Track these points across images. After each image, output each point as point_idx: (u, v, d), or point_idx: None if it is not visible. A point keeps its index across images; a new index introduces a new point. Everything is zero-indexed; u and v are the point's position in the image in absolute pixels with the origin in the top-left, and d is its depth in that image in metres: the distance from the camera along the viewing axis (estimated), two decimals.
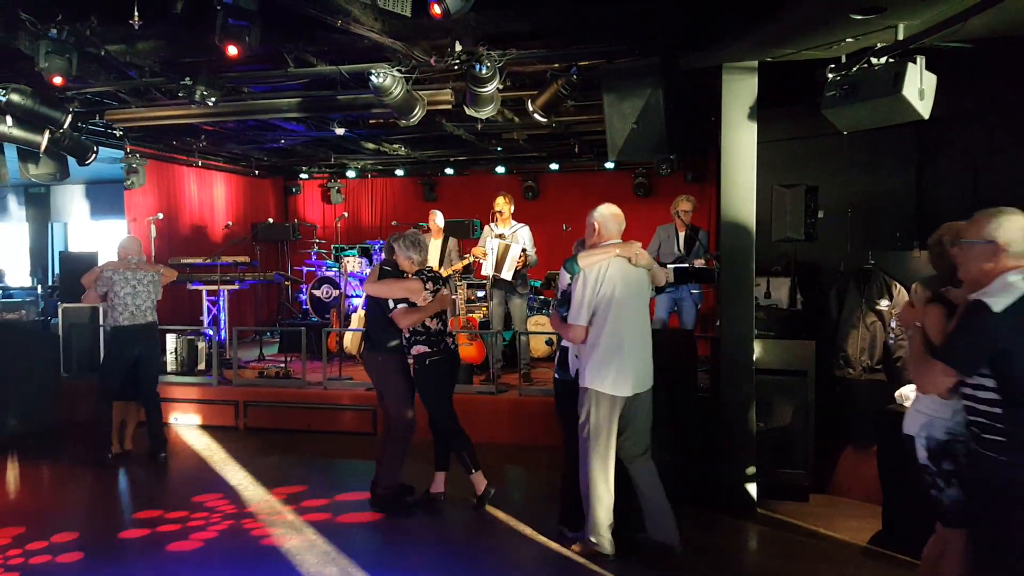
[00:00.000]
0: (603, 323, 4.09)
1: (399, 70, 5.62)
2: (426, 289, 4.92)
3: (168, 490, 5.81)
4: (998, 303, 2.60)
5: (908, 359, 2.97)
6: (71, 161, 7.67)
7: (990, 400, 2.66)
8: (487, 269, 7.40)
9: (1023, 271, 2.67)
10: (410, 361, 5.08)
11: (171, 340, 8.19)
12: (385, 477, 5.11)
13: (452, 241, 8.26)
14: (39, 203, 13.12)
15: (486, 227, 7.68)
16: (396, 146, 10.13)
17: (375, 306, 5.05)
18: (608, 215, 4.25)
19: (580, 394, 4.20)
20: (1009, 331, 2.58)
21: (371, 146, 10.01)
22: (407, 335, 4.99)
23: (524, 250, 7.29)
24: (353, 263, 9.96)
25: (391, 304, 4.90)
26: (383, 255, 5.27)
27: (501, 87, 5.66)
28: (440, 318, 5.03)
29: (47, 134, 6.86)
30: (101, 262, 6.74)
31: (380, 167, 12.33)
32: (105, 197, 12.50)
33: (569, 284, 4.22)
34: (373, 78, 5.49)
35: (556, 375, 4.54)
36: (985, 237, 2.74)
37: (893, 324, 5.11)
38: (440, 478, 5.22)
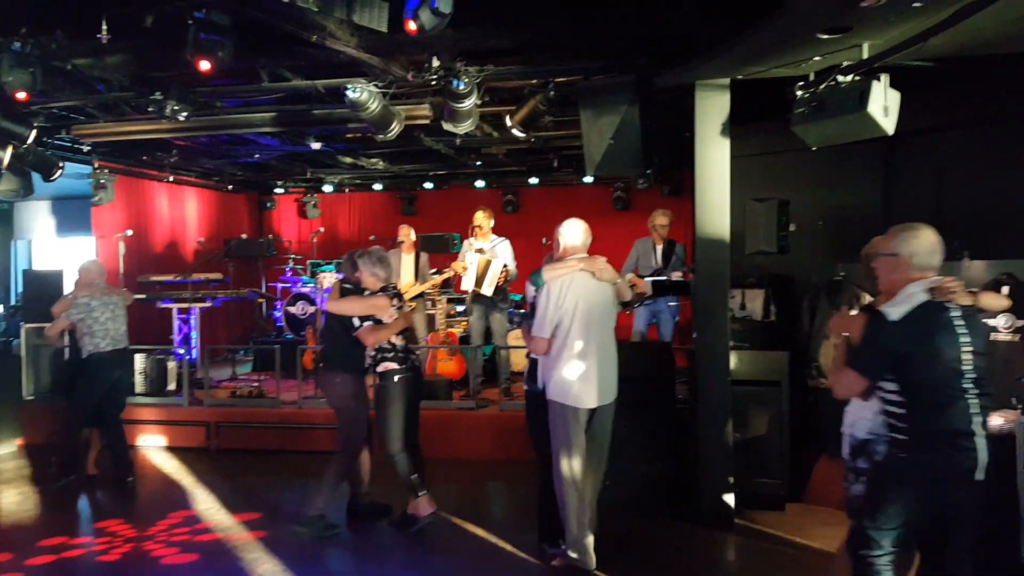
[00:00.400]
0: (565, 336, 4.14)
1: (376, 85, 5.62)
2: (392, 305, 4.90)
3: (132, 512, 5.67)
4: (895, 312, 2.81)
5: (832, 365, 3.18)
6: (36, 177, 7.53)
7: (895, 401, 2.86)
8: (467, 284, 7.40)
9: (926, 282, 2.85)
10: (370, 379, 5.02)
11: (140, 360, 7.98)
12: (320, 498, 4.94)
13: (424, 256, 8.28)
14: (2, 220, 12.84)
15: (466, 241, 7.68)
16: (374, 160, 10.09)
17: (336, 325, 4.96)
18: (574, 230, 4.30)
19: (549, 407, 4.22)
20: (905, 337, 2.78)
21: (348, 160, 9.96)
22: (372, 353, 4.92)
23: (505, 266, 7.29)
24: (330, 279, 9.87)
25: (356, 322, 4.83)
26: (342, 273, 5.20)
27: (479, 102, 5.66)
28: (403, 335, 4.99)
29: (10, 149, 6.74)
30: (67, 280, 6.59)
31: (358, 181, 12.25)
32: (72, 214, 12.24)
33: (535, 297, 4.26)
34: (349, 93, 5.47)
35: (526, 387, 4.54)
36: (890, 250, 2.93)
37: None
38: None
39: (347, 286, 4.99)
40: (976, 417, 2.80)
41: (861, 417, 3.17)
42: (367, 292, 4.94)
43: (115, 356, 6.17)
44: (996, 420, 4.01)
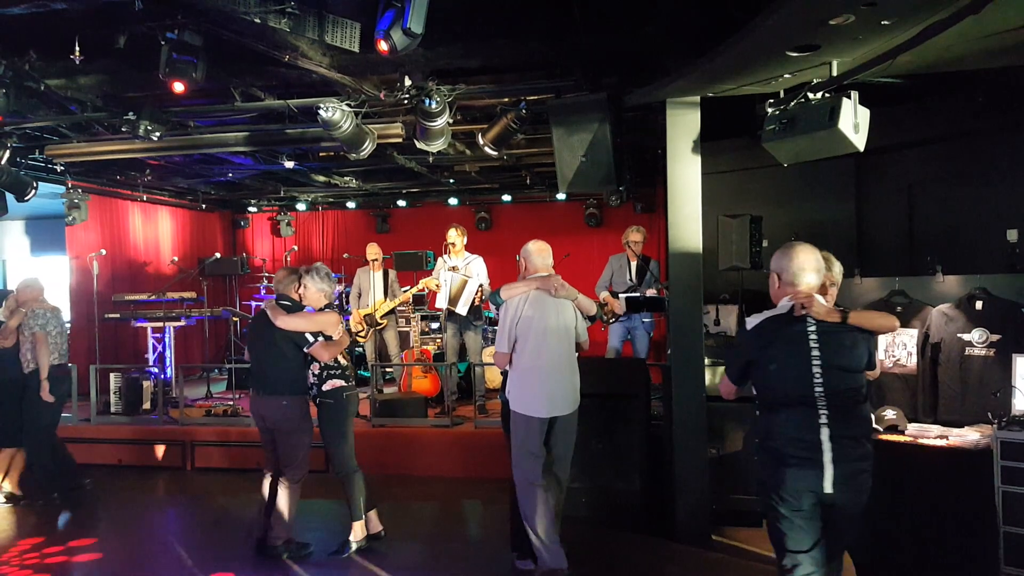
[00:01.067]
0: (523, 349, 4.33)
1: (348, 104, 5.62)
2: (340, 321, 4.89)
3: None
4: (751, 322, 3.03)
5: None
6: (9, 197, 7.46)
7: (756, 405, 3.04)
8: (441, 301, 7.38)
9: (792, 297, 2.99)
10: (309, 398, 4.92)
11: (114, 379, 7.93)
12: (281, 528, 4.82)
13: (392, 273, 8.28)
14: None
15: (439, 259, 7.67)
16: (347, 178, 10.09)
17: (285, 344, 4.71)
18: (533, 251, 4.50)
19: (511, 416, 4.38)
20: (753, 345, 3.00)
21: (322, 179, 9.95)
22: (317, 372, 4.81)
23: (480, 285, 7.29)
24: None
25: (309, 338, 4.69)
26: (276, 290, 5.05)
27: (451, 121, 5.70)
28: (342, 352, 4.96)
29: None
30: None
31: (331, 199, 12.25)
32: (46, 233, 12.15)
33: (497, 314, 4.49)
34: (322, 112, 5.47)
35: (501, 397, 4.63)
36: (770, 268, 3.14)
37: None
38: (373, 516, 5.07)
39: (286, 303, 4.84)
40: (824, 428, 2.86)
41: None
42: (308, 309, 4.87)
43: (61, 370, 6.17)
44: (972, 435, 4.05)
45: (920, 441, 4.06)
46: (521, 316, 4.32)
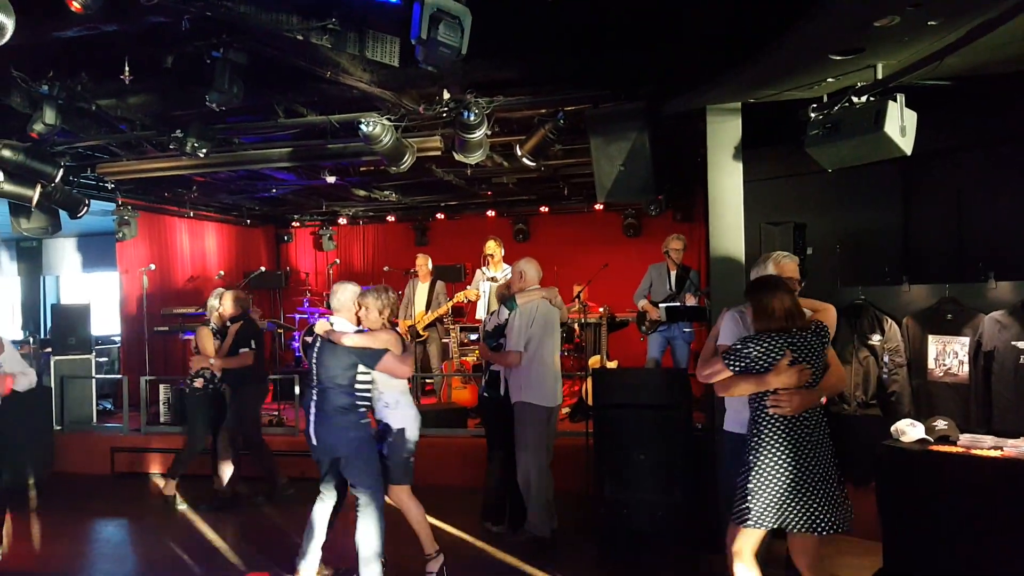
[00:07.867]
0: (536, 349, 5.05)
1: (388, 118, 5.69)
2: None
3: None
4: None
5: None
6: (63, 214, 7.70)
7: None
8: (481, 312, 7.41)
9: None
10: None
11: (163, 390, 8.14)
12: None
13: (440, 284, 8.31)
14: (31, 257, 13.12)
15: (478, 271, 7.70)
16: (387, 192, 10.21)
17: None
18: (531, 266, 5.28)
19: (518, 409, 5.06)
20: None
21: (362, 193, 10.08)
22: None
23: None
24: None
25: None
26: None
27: (489, 133, 5.72)
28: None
29: (39, 188, 6.88)
30: (94, 314, 6.67)
31: (371, 213, 12.40)
32: (97, 249, 12.52)
33: (505, 319, 5.14)
34: (363, 127, 5.55)
35: (486, 394, 5.41)
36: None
37: (886, 359, 5.11)
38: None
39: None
40: (312, 404, 4.42)
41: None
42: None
43: None
44: (1021, 445, 3.91)
45: (973, 452, 3.94)
46: (534, 320, 5.04)
